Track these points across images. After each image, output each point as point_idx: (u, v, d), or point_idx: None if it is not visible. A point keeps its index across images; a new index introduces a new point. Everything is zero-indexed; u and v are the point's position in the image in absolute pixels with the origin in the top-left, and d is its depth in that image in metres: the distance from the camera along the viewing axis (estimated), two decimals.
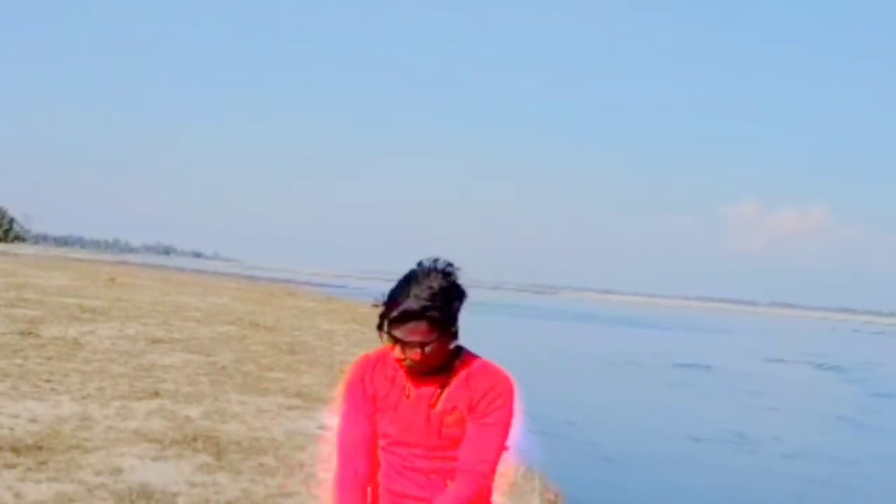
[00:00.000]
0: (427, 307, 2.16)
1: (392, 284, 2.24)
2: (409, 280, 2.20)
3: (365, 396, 2.29)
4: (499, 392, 2.22)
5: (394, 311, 2.18)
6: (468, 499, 2.19)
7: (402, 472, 2.27)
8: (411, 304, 2.17)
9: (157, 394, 8.80)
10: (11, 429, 6.63)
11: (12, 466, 5.60)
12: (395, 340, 2.18)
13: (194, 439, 6.86)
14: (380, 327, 2.24)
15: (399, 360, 2.22)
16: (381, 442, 2.30)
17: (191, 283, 42.56)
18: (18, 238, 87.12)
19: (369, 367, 2.32)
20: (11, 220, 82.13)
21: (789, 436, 14.24)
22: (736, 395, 19.70)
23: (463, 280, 2.25)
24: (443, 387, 2.24)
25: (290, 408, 8.90)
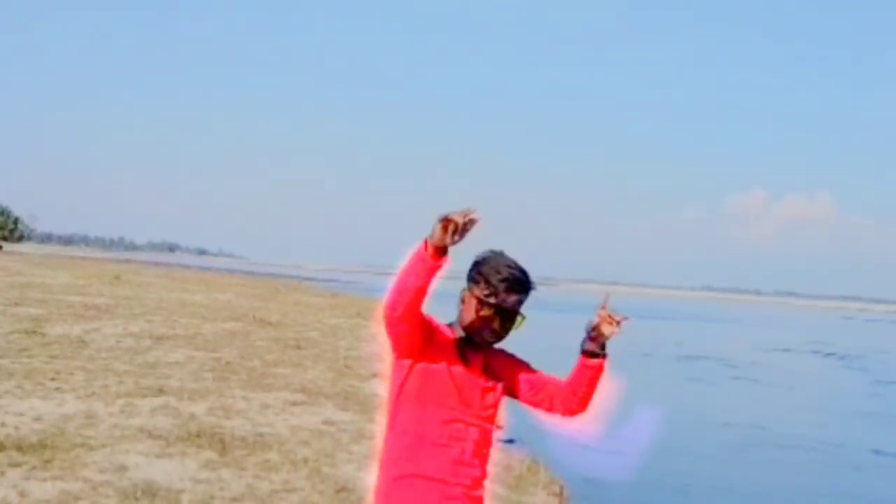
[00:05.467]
0: (530, 281, 2.35)
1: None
2: (502, 254, 2.34)
3: (426, 322, 2.27)
4: (517, 358, 2.48)
5: (503, 276, 2.28)
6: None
7: (445, 443, 2.27)
8: (519, 275, 2.32)
9: (161, 391, 8.80)
10: (17, 427, 6.63)
11: (17, 465, 5.60)
12: (495, 309, 2.28)
13: (199, 436, 6.86)
14: (480, 292, 2.29)
15: (493, 329, 2.31)
16: (425, 390, 2.28)
17: (195, 280, 42.60)
18: (23, 237, 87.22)
19: (433, 318, 2.33)
20: (16, 220, 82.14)
21: (802, 427, 14.20)
22: (744, 386, 19.65)
23: None
24: (486, 361, 2.37)
25: (294, 403, 8.89)
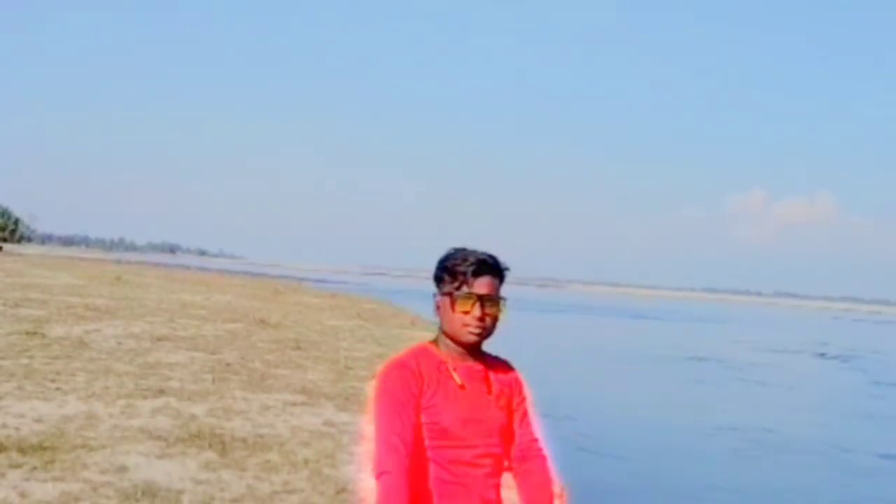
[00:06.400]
0: (500, 263, 2.19)
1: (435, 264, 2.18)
2: (464, 249, 2.18)
3: (412, 390, 2.07)
4: (522, 380, 2.29)
5: (469, 262, 2.12)
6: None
7: (462, 471, 2.10)
8: (486, 258, 2.16)
9: (162, 392, 8.80)
10: (17, 428, 6.64)
11: (18, 466, 5.60)
12: (472, 297, 2.10)
13: (199, 437, 6.86)
14: (450, 287, 2.12)
15: (477, 321, 2.11)
16: (433, 442, 2.08)
17: (196, 281, 42.60)
18: (24, 238, 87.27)
19: (413, 359, 2.13)
20: (17, 221, 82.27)
21: (806, 429, 14.18)
22: (747, 388, 19.62)
23: None
24: (485, 372, 2.21)
25: (294, 404, 8.89)
